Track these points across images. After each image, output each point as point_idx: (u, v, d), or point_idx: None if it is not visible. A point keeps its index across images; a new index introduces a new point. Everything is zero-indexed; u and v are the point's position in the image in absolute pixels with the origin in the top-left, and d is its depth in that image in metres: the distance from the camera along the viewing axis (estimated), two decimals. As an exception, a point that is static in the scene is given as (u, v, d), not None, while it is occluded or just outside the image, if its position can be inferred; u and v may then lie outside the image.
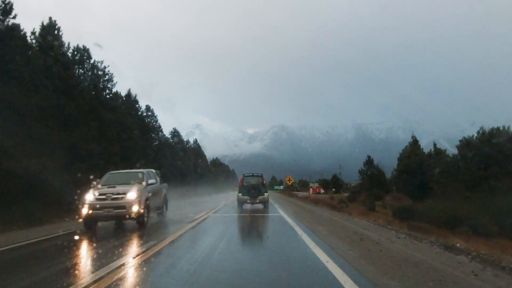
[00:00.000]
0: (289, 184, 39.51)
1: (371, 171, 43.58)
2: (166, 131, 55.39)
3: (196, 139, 65.77)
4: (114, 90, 29.23)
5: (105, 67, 28.13)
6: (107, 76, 27.92)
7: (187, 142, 65.25)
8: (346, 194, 74.38)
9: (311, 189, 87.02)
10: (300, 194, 67.91)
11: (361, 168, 46.00)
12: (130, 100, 35.40)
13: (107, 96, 27.39)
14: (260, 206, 18.20)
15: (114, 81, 28.37)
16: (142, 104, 41.16)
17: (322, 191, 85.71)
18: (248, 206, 18.55)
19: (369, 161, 45.06)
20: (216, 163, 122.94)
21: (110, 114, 24.89)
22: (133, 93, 36.14)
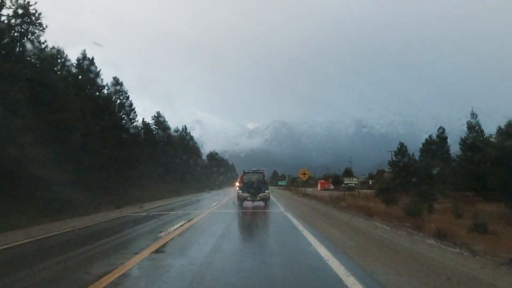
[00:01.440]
0: (304, 179, 29.22)
1: (404, 163, 33.79)
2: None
3: (185, 125, 55.97)
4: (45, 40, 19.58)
5: (29, 4, 18.67)
6: (28, 18, 18.44)
7: (176, 130, 55.58)
8: (361, 191, 65.13)
9: (319, 185, 77.45)
10: (306, 190, 58.85)
11: (391, 158, 36.38)
12: (83, 63, 25.82)
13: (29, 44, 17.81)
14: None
15: (44, 26, 18.82)
16: (109, 74, 31.58)
17: (331, 187, 76.18)
18: (249, 204, 17.84)
19: (401, 149, 35.30)
20: (214, 157, 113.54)
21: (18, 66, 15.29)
22: (89, 55, 26.49)
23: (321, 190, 71.84)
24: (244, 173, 18.57)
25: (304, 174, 28.62)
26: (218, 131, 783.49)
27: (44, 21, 18.28)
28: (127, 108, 31.59)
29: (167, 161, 41.28)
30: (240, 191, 17.47)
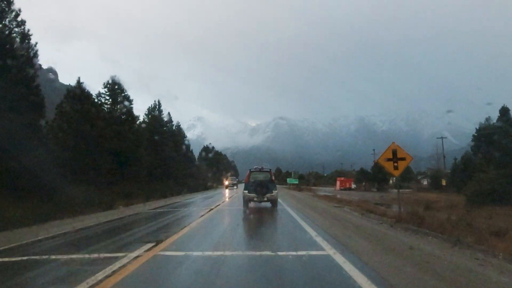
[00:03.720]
0: (397, 174, 12.34)
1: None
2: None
3: (159, 100, 40.30)
4: None
5: None
6: None
7: (152, 109, 40.38)
8: (394, 190, 50.67)
9: (338, 183, 62.33)
10: (322, 191, 44.54)
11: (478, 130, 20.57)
12: None
13: None
14: None
15: None
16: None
17: (353, 186, 61.35)
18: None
19: (504, 112, 20.23)
20: (210, 151, 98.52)
21: None
22: None
23: (341, 189, 57.00)
24: (251, 171, 17.73)
25: (395, 159, 11.23)
26: (220, 128, 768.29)
27: None
28: (18, 46, 16.54)
29: (124, 148, 26.41)
30: (246, 191, 16.61)
